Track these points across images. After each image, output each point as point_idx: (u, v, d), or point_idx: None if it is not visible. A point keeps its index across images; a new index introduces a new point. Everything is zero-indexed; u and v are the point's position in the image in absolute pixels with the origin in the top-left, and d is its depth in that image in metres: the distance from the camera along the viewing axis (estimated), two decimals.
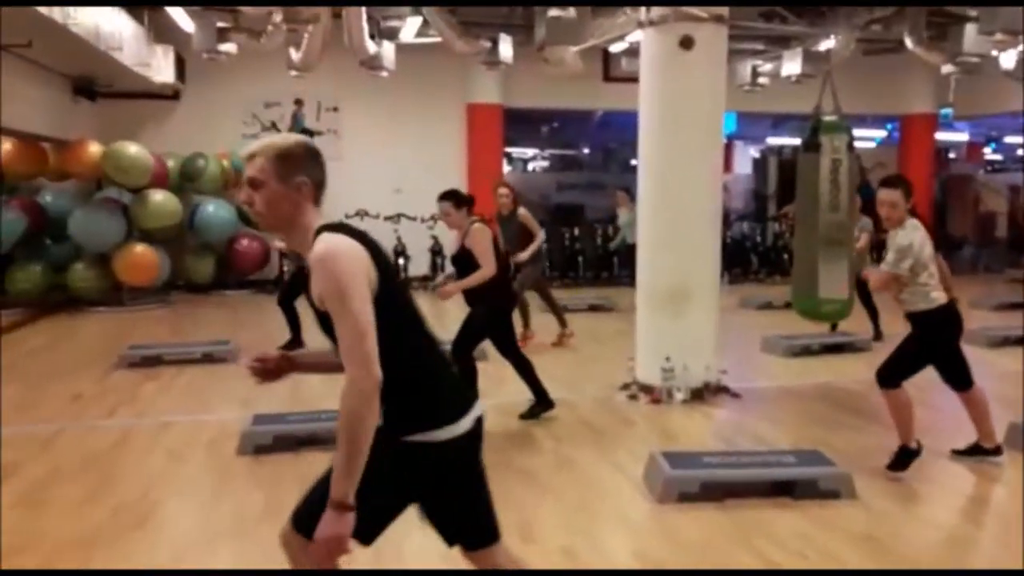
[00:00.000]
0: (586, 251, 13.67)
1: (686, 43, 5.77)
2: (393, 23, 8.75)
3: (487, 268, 5.08)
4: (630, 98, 6.71)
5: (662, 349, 5.88)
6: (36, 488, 4.24)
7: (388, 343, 2.04)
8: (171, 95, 11.75)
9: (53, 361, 7.48)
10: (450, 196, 5.20)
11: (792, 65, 9.70)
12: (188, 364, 7.06)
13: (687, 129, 5.87)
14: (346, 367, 1.99)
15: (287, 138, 2.22)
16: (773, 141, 17.72)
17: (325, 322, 2.06)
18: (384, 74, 9.44)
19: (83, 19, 7.54)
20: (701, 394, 5.85)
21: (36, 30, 7.54)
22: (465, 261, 5.16)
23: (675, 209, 5.95)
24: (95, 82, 10.91)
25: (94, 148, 10.14)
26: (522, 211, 7.71)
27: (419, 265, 12.12)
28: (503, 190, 7.69)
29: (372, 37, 8.81)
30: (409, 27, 8.86)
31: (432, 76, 12.26)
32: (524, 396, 6.09)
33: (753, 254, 14.01)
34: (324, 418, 4.89)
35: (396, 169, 12.37)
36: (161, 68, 10.37)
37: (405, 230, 12.05)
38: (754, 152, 18.36)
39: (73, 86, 10.66)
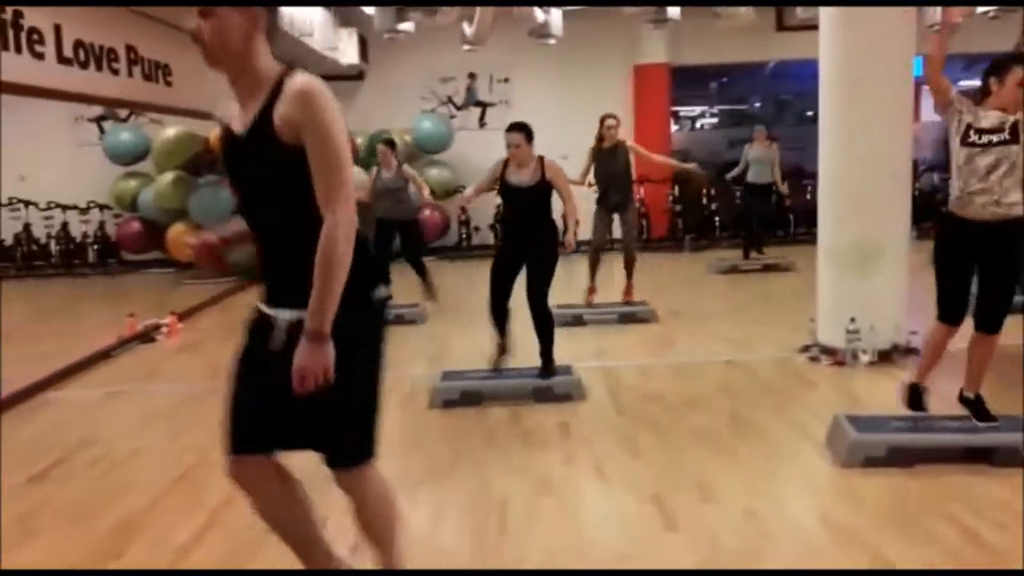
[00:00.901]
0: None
1: None
2: None
3: (572, 200, 5.13)
4: (806, 46, 6.45)
5: (846, 309, 5.67)
6: None
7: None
8: (356, 76, 12.46)
9: None
10: (523, 127, 5.04)
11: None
12: None
13: (872, 76, 5.54)
14: (331, 202, 1.97)
15: None
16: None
17: (280, 160, 1.98)
18: (552, 41, 9.57)
19: (279, 9, 8.18)
20: (889, 356, 5.61)
21: None
22: (534, 196, 5.04)
23: (860, 161, 5.67)
24: (290, 67, 11.76)
25: None
26: (630, 142, 7.55)
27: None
28: (612, 120, 7.47)
29: (540, 6, 8.94)
30: None
31: (598, 40, 12.25)
32: (692, 357, 6.13)
33: (945, 207, 13.00)
34: (503, 376, 5.27)
35: (563, 135, 12.49)
36: (347, 50, 11.03)
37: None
38: None
39: None
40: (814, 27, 5.93)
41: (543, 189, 5.06)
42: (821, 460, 4.02)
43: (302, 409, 2.11)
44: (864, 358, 5.57)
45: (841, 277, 5.80)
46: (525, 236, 5.13)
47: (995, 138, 3.71)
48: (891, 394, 5.14)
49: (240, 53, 2.06)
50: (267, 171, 2.05)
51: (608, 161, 7.51)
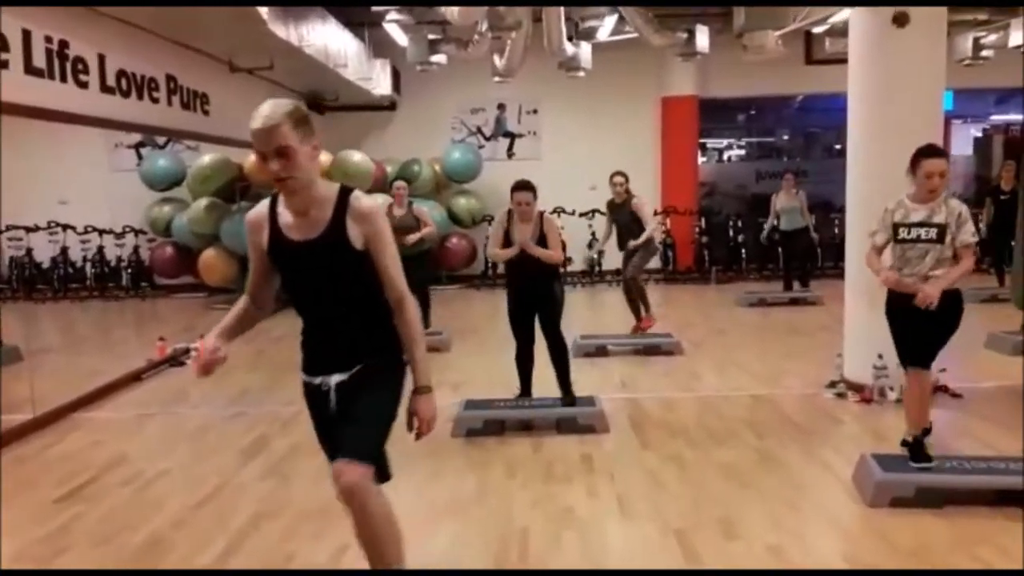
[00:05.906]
0: None
1: (900, 19, 5.43)
2: (591, 23, 8.95)
3: (560, 253, 5.33)
4: (834, 80, 6.47)
5: (873, 345, 5.58)
6: (280, 461, 4.81)
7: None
8: (388, 106, 12.69)
9: (291, 349, 8.36)
10: (532, 187, 5.25)
11: (1021, 34, 8.82)
12: None
13: (901, 110, 5.53)
14: (400, 291, 2.53)
15: (292, 102, 2.45)
16: (998, 118, 16.09)
17: (352, 261, 2.45)
18: (581, 74, 9.67)
19: (314, 40, 8.36)
20: None
21: (276, 53, 8.47)
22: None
23: (888, 196, 5.59)
24: (324, 97, 12.01)
25: (324, 157, 11.18)
26: (636, 200, 7.69)
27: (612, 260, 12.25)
28: (619, 179, 7.71)
29: (570, 39, 9.06)
30: (606, 26, 9.01)
31: (626, 72, 12.35)
32: (717, 390, 6.09)
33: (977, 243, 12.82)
34: (526, 405, 5.30)
35: (591, 166, 12.57)
36: (380, 81, 11.22)
37: (599, 225, 12.20)
38: (975, 131, 16.78)
39: (306, 102, 11.80)
40: (843, 60, 5.94)
41: (543, 244, 5.27)
42: (847, 499, 3.97)
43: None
44: (892, 395, 5.50)
45: (868, 312, 5.73)
46: (531, 285, 5.33)
47: None
48: None
49: (310, 177, 2.42)
50: (337, 269, 2.49)
51: (616, 215, 7.82)
